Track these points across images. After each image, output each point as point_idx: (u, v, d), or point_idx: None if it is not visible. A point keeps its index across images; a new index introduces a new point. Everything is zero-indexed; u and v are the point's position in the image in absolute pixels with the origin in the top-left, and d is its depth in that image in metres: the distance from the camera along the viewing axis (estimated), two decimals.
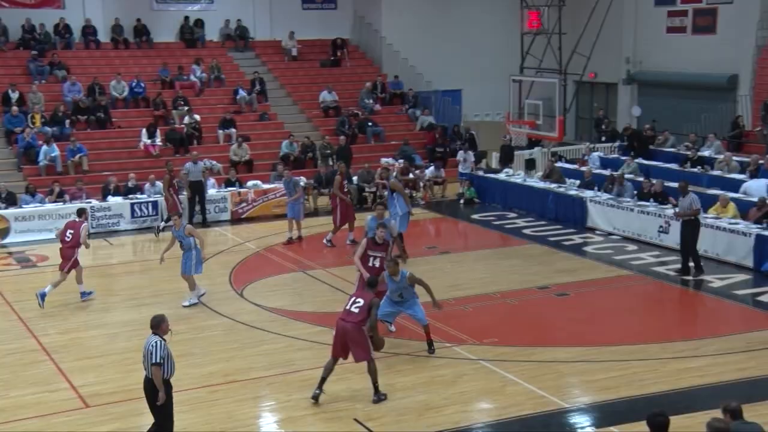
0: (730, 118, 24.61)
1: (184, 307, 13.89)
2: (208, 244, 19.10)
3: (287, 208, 18.80)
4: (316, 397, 10.21)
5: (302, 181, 20.22)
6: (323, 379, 10.26)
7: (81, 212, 15.32)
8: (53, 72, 25.18)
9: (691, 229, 15.13)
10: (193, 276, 14.17)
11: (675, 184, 18.65)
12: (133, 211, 19.90)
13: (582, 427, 9.81)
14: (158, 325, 8.80)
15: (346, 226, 18.05)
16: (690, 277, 15.14)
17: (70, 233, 14.58)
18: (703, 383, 10.63)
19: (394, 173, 19.11)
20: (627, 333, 12.66)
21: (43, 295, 14.07)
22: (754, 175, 19.44)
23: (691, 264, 15.32)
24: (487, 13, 28.93)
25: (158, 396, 8.60)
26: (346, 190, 18.47)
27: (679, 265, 15.53)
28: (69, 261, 14.52)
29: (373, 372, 10.27)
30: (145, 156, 23.35)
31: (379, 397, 10.29)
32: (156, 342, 8.62)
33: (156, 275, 16.26)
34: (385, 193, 17.91)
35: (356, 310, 10.20)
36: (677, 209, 15.66)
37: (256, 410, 10.42)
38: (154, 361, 8.53)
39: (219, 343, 12.41)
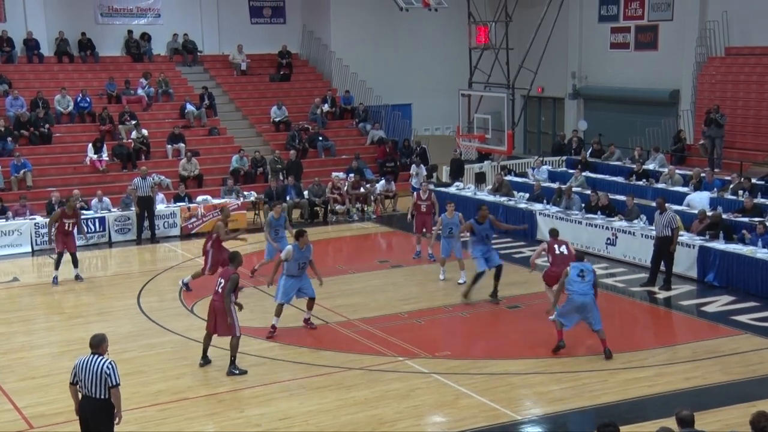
0: (672, 132, 25.20)
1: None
2: (157, 260, 18.91)
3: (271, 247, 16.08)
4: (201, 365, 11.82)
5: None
6: (204, 350, 11.86)
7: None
8: None
9: (667, 245, 15.29)
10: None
11: (622, 197, 19.10)
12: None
13: None
14: (99, 345, 8.53)
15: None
16: (655, 289, 15.39)
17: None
18: (651, 393, 10.80)
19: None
20: (577, 344, 12.81)
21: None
22: (697, 188, 19.93)
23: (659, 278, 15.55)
24: (436, 28, 29.19)
25: (118, 418, 8.46)
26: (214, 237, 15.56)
27: (645, 275, 15.83)
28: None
29: (233, 347, 11.54)
30: (91, 171, 22.97)
31: (232, 371, 11.52)
32: (111, 363, 8.40)
33: (101, 293, 15.97)
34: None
35: (220, 290, 11.52)
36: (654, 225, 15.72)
37: (207, 428, 10.27)
38: (115, 384, 8.34)
39: (169, 361, 12.22)
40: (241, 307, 11.76)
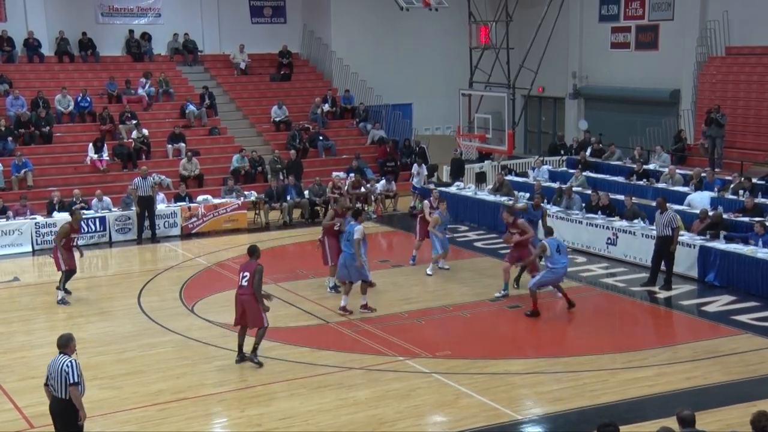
0: (673, 132, 25.19)
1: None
2: (158, 259, 18.92)
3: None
4: (238, 362, 11.86)
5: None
6: (240, 345, 11.90)
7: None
8: None
9: (668, 245, 15.26)
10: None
11: (622, 197, 19.08)
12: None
13: None
14: (66, 344, 8.54)
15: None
16: (656, 288, 15.38)
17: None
18: (651, 393, 10.80)
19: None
20: (577, 344, 12.82)
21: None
22: (697, 188, 19.90)
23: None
24: (436, 27, 29.20)
25: (79, 416, 8.39)
26: (336, 228, 14.90)
27: (646, 275, 15.82)
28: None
29: (259, 336, 11.76)
30: (92, 171, 22.98)
31: (252, 358, 11.70)
32: (70, 362, 8.39)
33: (102, 292, 15.97)
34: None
35: (246, 283, 11.56)
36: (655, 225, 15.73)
37: (207, 428, 10.27)
38: (72, 382, 8.30)
39: (169, 360, 12.22)
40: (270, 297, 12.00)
